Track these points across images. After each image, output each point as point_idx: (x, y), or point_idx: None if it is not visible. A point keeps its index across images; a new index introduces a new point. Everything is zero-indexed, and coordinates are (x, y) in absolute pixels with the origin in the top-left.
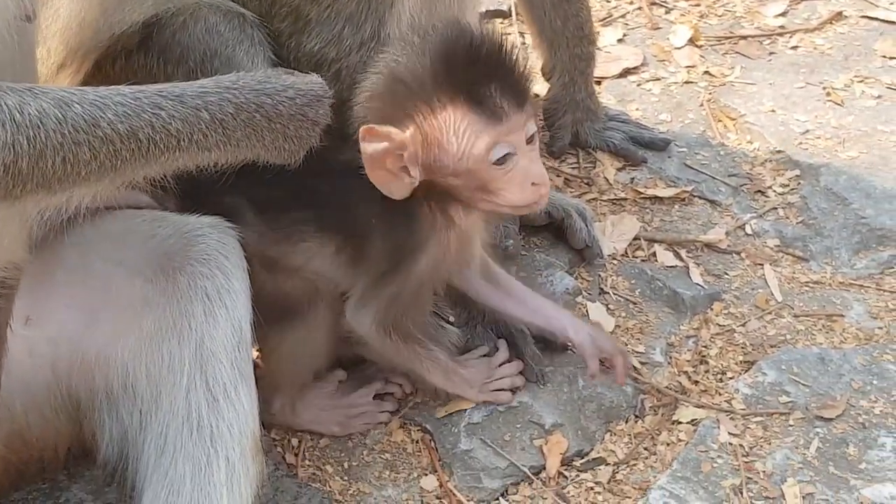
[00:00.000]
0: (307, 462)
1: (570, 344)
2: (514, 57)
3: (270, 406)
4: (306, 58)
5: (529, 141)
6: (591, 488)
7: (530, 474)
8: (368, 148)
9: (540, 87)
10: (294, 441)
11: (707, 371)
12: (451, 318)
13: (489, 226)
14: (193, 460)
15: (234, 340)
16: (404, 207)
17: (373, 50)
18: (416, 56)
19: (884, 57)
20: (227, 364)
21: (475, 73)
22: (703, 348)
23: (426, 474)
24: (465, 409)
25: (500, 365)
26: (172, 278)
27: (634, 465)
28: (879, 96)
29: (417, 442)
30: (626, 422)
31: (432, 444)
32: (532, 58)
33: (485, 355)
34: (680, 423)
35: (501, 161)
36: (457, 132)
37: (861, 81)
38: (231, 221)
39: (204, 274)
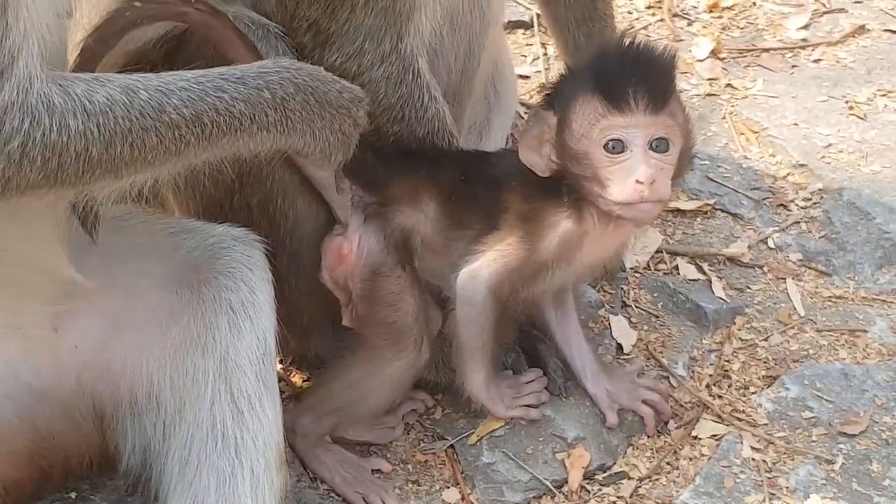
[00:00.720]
0: None
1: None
2: (665, 68)
3: (294, 426)
4: (330, 72)
5: (653, 148)
6: (614, 503)
7: (552, 488)
8: (528, 127)
9: None
10: None
11: (730, 385)
12: None
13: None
14: (218, 472)
15: (259, 353)
16: (547, 192)
17: (395, 64)
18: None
19: None
20: (251, 376)
21: (618, 68)
22: (726, 363)
23: (448, 487)
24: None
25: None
26: (197, 291)
27: (657, 479)
28: None
29: (440, 455)
30: (649, 436)
31: (455, 456)
32: (556, 69)
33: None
34: (702, 437)
35: (612, 149)
36: (583, 113)
37: (884, 95)
38: (410, 204)
39: (229, 287)
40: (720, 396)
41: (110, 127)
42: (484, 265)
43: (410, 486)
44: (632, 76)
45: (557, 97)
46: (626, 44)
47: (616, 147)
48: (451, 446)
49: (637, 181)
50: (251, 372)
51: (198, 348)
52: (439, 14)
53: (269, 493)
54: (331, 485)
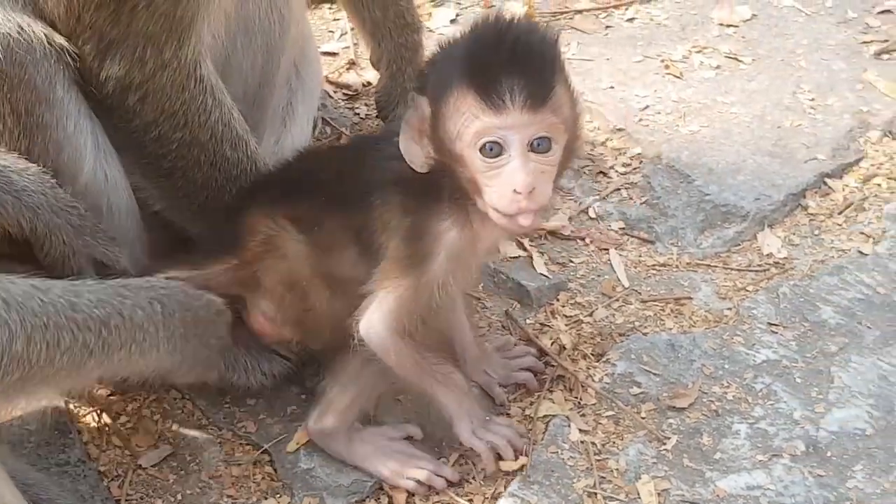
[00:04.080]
0: (135, 495)
1: None
2: (547, 56)
3: (322, 419)
4: (113, 81)
5: (534, 148)
6: (439, 501)
7: (377, 489)
8: (408, 115)
9: (372, 76)
10: (119, 470)
11: (556, 366)
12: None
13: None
14: None
15: None
16: (424, 194)
17: (177, 71)
18: (459, 35)
19: (721, 25)
20: None
21: (493, 59)
22: (551, 342)
23: (266, 498)
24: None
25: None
26: None
27: (484, 469)
28: (718, 66)
29: (255, 464)
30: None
31: (270, 465)
32: (359, 49)
33: None
34: (532, 419)
35: (489, 154)
36: (457, 111)
37: (699, 52)
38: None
39: None
40: (544, 379)
41: (30, 320)
42: (376, 312)
43: (225, 500)
44: (509, 67)
45: (430, 82)
46: (503, 26)
47: (493, 149)
48: (267, 453)
49: (514, 191)
50: None
51: None
52: (224, 22)
53: None
54: (379, 477)
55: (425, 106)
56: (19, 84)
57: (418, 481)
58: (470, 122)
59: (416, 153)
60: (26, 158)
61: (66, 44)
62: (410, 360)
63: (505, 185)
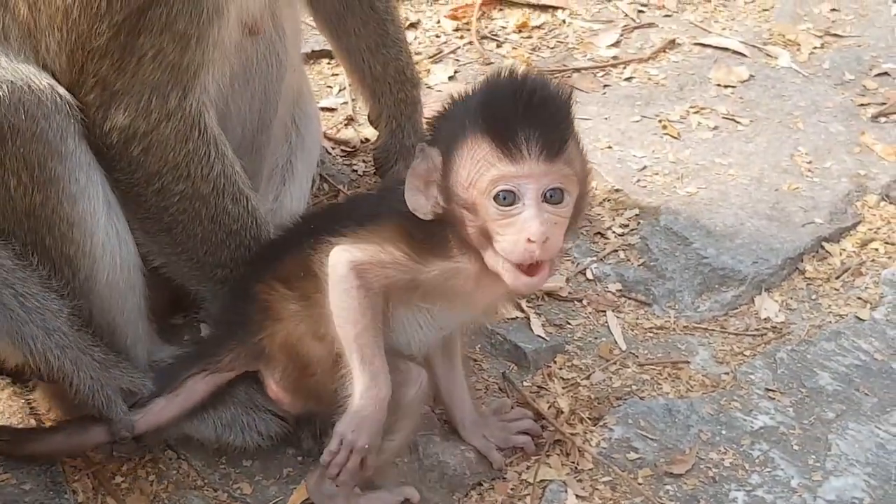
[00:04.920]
0: None
1: None
2: (561, 109)
3: (323, 481)
4: (117, 131)
5: (547, 199)
6: None
7: None
8: (415, 164)
9: (370, 132)
10: None
11: (553, 430)
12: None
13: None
14: None
15: None
16: (431, 240)
17: (181, 121)
18: (472, 89)
19: (718, 85)
20: None
21: (509, 109)
22: (548, 405)
23: None
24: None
25: None
26: None
27: None
28: (716, 127)
29: None
30: (474, 488)
31: None
32: (358, 104)
33: None
34: (529, 484)
35: (503, 202)
36: (472, 159)
37: (697, 112)
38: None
39: None
40: (542, 443)
41: None
42: (351, 249)
43: None
44: (525, 119)
45: (442, 133)
46: (519, 80)
47: (507, 198)
48: None
49: (528, 240)
50: None
51: None
52: (229, 72)
53: None
54: None
55: (436, 155)
56: (31, 138)
57: None
58: (485, 169)
59: (421, 203)
60: (41, 210)
61: (68, 96)
62: (355, 312)
63: (519, 233)
